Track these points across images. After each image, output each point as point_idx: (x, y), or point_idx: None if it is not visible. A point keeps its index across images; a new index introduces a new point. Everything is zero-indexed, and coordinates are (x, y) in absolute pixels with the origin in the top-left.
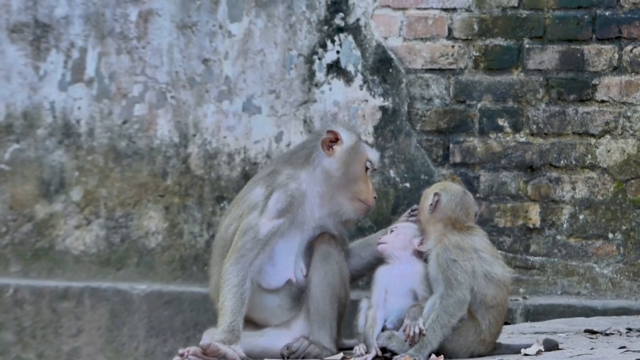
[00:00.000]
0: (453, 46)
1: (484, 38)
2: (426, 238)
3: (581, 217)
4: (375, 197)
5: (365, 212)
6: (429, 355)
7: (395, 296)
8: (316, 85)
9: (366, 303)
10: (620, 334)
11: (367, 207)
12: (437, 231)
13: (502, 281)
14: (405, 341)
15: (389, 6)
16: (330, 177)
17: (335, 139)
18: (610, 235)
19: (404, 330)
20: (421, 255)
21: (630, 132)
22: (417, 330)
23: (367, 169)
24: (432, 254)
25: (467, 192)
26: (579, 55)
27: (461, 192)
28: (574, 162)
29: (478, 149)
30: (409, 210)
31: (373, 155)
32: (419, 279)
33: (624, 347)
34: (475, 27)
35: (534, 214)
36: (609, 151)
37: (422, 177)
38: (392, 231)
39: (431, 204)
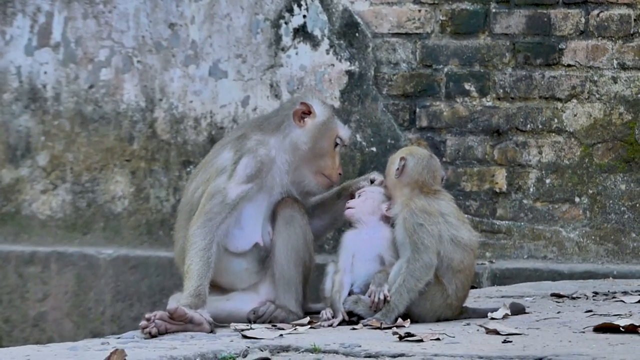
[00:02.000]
0: (419, 10)
1: (450, 2)
2: (393, 203)
3: (547, 181)
4: (340, 174)
5: (327, 187)
6: (396, 319)
7: (362, 261)
8: (283, 49)
9: (333, 267)
10: (587, 298)
11: (330, 182)
12: (403, 195)
13: (469, 245)
14: (370, 307)
15: None
16: (298, 149)
17: (308, 112)
18: (577, 199)
19: (369, 296)
20: (389, 221)
21: (597, 96)
22: (381, 297)
23: (336, 144)
24: (398, 218)
25: (433, 156)
26: (545, 19)
27: (427, 156)
28: (540, 127)
29: (444, 113)
30: (368, 179)
31: (344, 132)
32: (387, 244)
33: (590, 311)
34: None
35: (501, 178)
36: (575, 115)
37: (389, 141)
38: (359, 195)
39: (398, 168)
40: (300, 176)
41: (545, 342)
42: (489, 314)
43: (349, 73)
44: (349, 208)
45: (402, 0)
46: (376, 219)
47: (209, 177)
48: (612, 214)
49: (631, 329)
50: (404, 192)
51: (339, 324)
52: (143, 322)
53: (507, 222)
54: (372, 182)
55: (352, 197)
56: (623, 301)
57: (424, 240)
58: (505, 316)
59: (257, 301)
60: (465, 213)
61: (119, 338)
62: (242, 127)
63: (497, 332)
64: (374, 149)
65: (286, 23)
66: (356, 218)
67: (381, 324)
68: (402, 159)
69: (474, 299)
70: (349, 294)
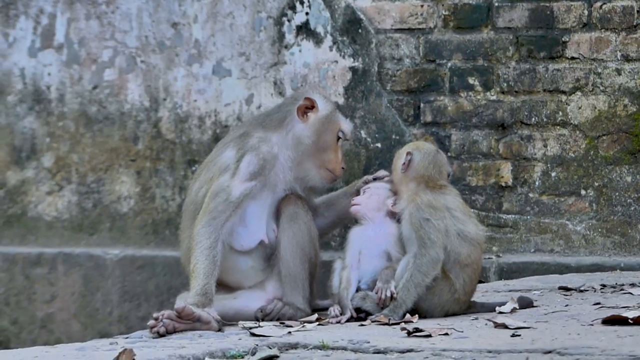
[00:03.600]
0: (422, 5)
1: None
2: (399, 198)
3: (553, 174)
4: (343, 168)
5: (331, 181)
6: (404, 315)
7: (369, 257)
8: (286, 47)
9: (340, 264)
10: (595, 291)
11: (334, 176)
12: (409, 190)
13: (475, 239)
14: (377, 304)
15: None
16: (301, 143)
17: (311, 106)
18: (583, 192)
19: (376, 293)
20: (395, 216)
21: (601, 88)
22: (388, 294)
23: (338, 138)
24: (404, 214)
25: (439, 151)
26: (548, 12)
27: (434, 150)
28: (545, 120)
29: (449, 108)
30: (372, 176)
31: (346, 126)
32: (393, 240)
33: (598, 304)
34: None
35: (506, 172)
36: (580, 108)
37: (394, 137)
38: (364, 192)
39: (404, 163)
40: (303, 171)
41: (554, 335)
42: (497, 308)
43: (352, 69)
44: (354, 204)
45: None
46: (382, 215)
47: (212, 175)
48: (618, 206)
49: (639, 321)
50: (410, 187)
51: (347, 321)
52: (151, 322)
53: (513, 216)
54: (375, 178)
55: (358, 194)
56: (631, 293)
57: (431, 235)
58: (513, 310)
59: (264, 299)
60: (472, 207)
61: (127, 338)
62: (244, 125)
63: (505, 326)
64: (378, 145)
65: (289, 20)
66: (362, 214)
67: (389, 319)
68: (408, 153)
69: (482, 294)
70: (357, 290)
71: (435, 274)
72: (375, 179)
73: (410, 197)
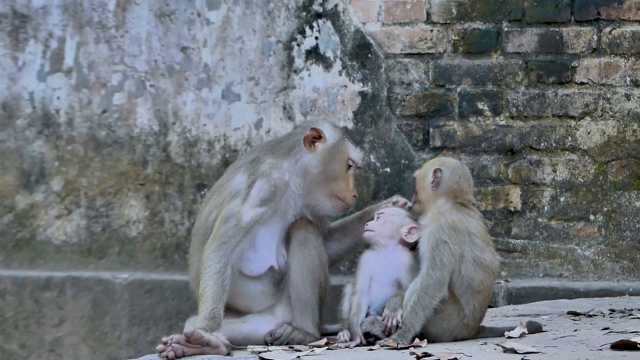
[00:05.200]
0: (432, 30)
1: (462, 22)
2: (423, 214)
3: (562, 199)
4: (355, 196)
5: (343, 209)
6: (413, 339)
7: (379, 285)
8: (295, 71)
9: (350, 289)
10: (604, 316)
11: (346, 205)
12: (436, 208)
13: (490, 267)
14: (384, 332)
15: None
16: (309, 173)
17: (319, 136)
18: (592, 217)
19: (383, 320)
20: (408, 245)
21: (610, 113)
22: (394, 323)
23: (349, 167)
24: (426, 230)
25: (463, 164)
26: (557, 37)
27: (460, 164)
28: (554, 145)
29: (458, 132)
30: (390, 202)
31: (355, 154)
32: (405, 269)
33: (607, 329)
34: (454, 10)
35: (515, 197)
36: (589, 133)
37: (403, 161)
38: (378, 217)
39: (432, 180)
40: (314, 200)
41: None
42: (506, 333)
43: (362, 94)
44: (367, 230)
45: (414, 20)
46: (395, 242)
47: (223, 200)
48: (627, 231)
49: None
50: (438, 204)
51: (356, 346)
52: (160, 346)
53: (522, 240)
54: (394, 204)
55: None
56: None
57: (443, 258)
58: (522, 335)
59: (273, 323)
60: None
61: None
62: (255, 150)
63: (514, 351)
64: (388, 169)
65: (298, 45)
66: (374, 241)
67: (397, 344)
68: (437, 170)
69: (491, 318)
70: (366, 316)
71: (442, 295)
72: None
73: (435, 215)
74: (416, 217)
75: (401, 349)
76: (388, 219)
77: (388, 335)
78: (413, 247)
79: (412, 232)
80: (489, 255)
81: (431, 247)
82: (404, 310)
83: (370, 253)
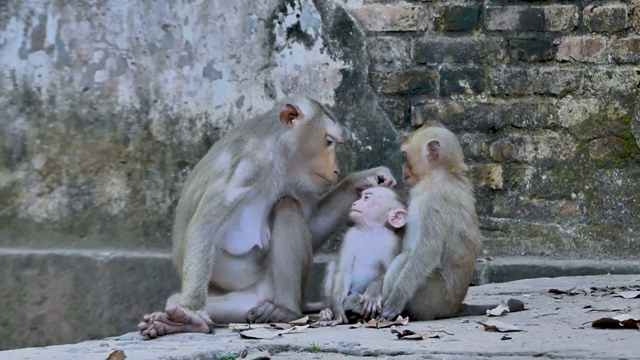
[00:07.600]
0: (413, 8)
1: None
2: (415, 182)
3: (544, 177)
4: (336, 172)
5: (324, 186)
6: (404, 307)
7: (362, 265)
8: (277, 49)
9: (333, 266)
10: (585, 294)
11: (326, 181)
12: (430, 177)
13: (473, 243)
14: (362, 315)
15: None
16: (288, 150)
17: (295, 113)
18: (573, 195)
19: (362, 304)
20: (393, 228)
21: (592, 91)
22: (374, 308)
23: (329, 142)
24: (416, 199)
25: (450, 131)
26: (539, 15)
27: (449, 132)
28: (535, 123)
29: (439, 110)
30: (375, 175)
31: (334, 129)
32: (388, 252)
33: (589, 307)
34: None
35: (497, 175)
36: (570, 111)
37: (384, 139)
38: (367, 197)
39: (429, 153)
40: (295, 177)
41: (545, 339)
42: (488, 311)
43: (343, 72)
44: (354, 210)
45: None
46: (380, 225)
47: (207, 179)
48: (608, 210)
49: (630, 324)
50: (433, 174)
51: (338, 325)
52: (142, 324)
53: (503, 219)
54: (380, 180)
55: (360, 190)
56: (621, 296)
57: (436, 226)
58: (504, 313)
59: (255, 301)
60: None
61: (117, 340)
62: (238, 129)
63: (496, 329)
64: (369, 147)
65: (280, 23)
66: (361, 222)
67: (377, 324)
68: (433, 143)
69: (472, 297)
70: (348, 294)
71: (435, 265)
72: (380, 180)
73: (428, 184)
74: (404, 200)
75: (383, 327)
76: (376, 201)
77: (368, 319)
78: (398, 230)
79: (399, 217)
80: (474, 232)
81: (423, 216)
82: (398, 279)
83: (356, 232)
